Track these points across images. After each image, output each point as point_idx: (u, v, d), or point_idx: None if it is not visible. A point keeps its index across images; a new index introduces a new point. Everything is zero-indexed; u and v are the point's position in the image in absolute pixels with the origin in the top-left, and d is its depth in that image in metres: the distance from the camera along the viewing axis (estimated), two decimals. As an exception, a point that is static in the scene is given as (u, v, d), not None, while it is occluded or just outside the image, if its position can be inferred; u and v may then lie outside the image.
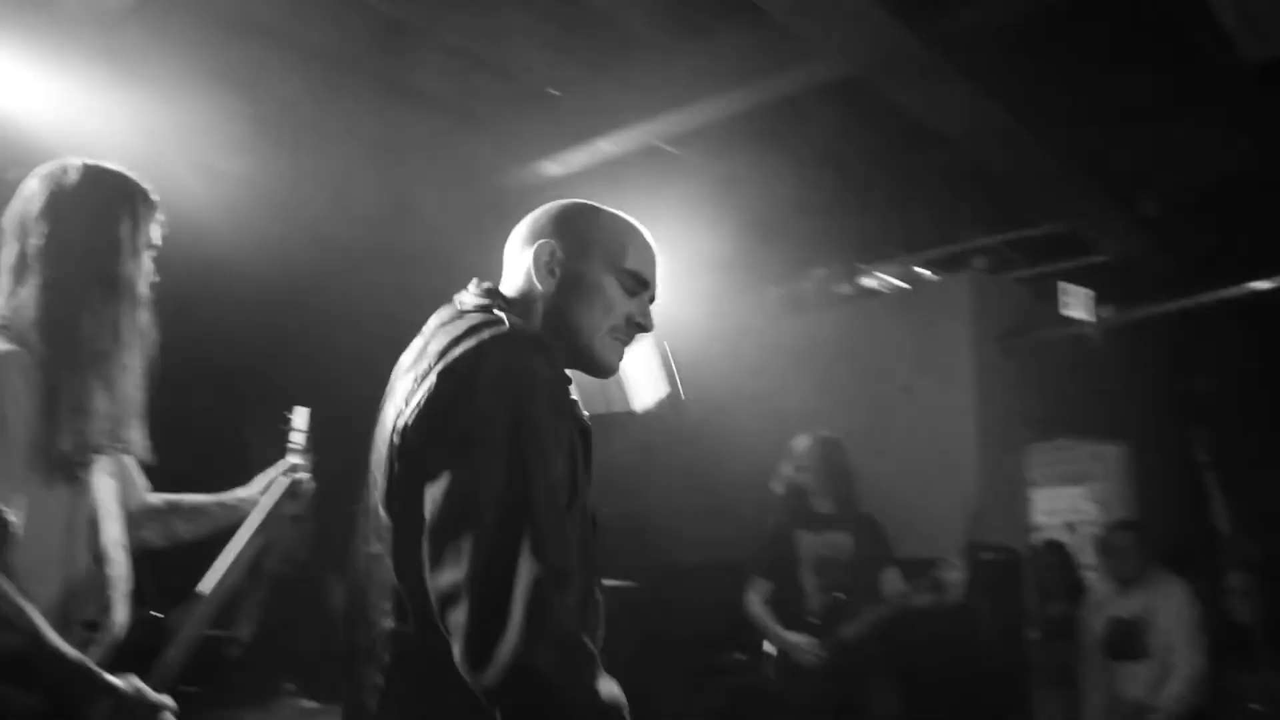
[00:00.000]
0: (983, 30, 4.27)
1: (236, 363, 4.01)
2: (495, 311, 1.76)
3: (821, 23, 3.97)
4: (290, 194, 4.15)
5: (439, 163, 4.57)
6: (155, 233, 2.25)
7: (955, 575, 4.46)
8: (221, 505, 2.55)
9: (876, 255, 6.43)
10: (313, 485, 2.60)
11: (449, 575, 1.53)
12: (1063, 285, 5.89)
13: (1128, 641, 5.14)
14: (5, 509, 1.92)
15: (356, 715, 1.69)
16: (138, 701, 1.99)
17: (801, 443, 4.91)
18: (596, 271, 1.85)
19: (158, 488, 2.47)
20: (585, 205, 1.92)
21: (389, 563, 1.66)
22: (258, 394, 3.52)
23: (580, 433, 1.78)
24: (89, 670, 1.95)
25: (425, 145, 4.47)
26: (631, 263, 1.87)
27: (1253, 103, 4.86)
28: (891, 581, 4.70)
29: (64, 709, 1.93)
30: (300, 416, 2.69)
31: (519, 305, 1.84)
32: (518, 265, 1.88)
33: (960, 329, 5.84)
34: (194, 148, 3.74)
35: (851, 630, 4.57)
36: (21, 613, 1.89)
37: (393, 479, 1.67)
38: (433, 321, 1.83)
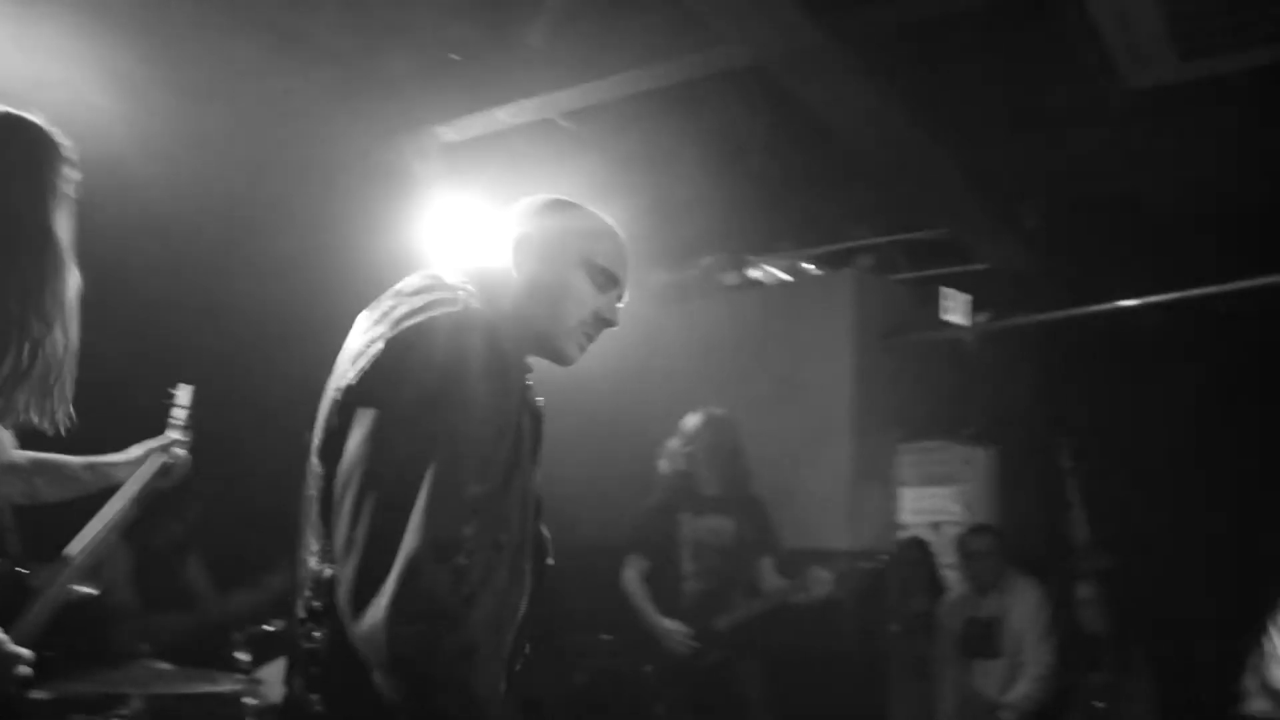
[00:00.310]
0: (886, 32, 4.32)
1: (114, 323, 3.85)
2: (460, 291, 1.85)
3: (728, 9, 3.97)
4: (174, 140, 3.97)
5: (334, 120, 4.44)
6: (70, 190, 2.11)
7: (828, 576, 4.53)
8: (90, 470, 2.50)
9: (764, 247, 6.47)
10: (187, 463, 2.62)
11: (345, 529, 1.63)
12: (943, 289, 6.02)
13: (982, 640, 5.33)
14: None
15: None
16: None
17: (692, 420, 4.90)
18: (570, 266, 1.94)
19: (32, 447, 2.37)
20: (567, 202, 2.03)
21: (317, 508, 1.75)
22: (134, 356, 3.39)
23: (530, 416, 1.86)
24: None
25: (321, 101, 4.33)
26: (604, 260, 1.97)
27: (1132, 127, 5.03)
28: (769, 572, 4.75)
29: None
30: (184, 394, 2.71)
31: (493, 287, 1.92)
32: (500, 251, 1.97)
33: (841, 326, 5.91)
34: (73, 83, 3.54)
35: (725, 622, 4.61)
36: None
37: (329, 431, 1.75)
38: (409, 283, 1.90)
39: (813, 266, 6.47)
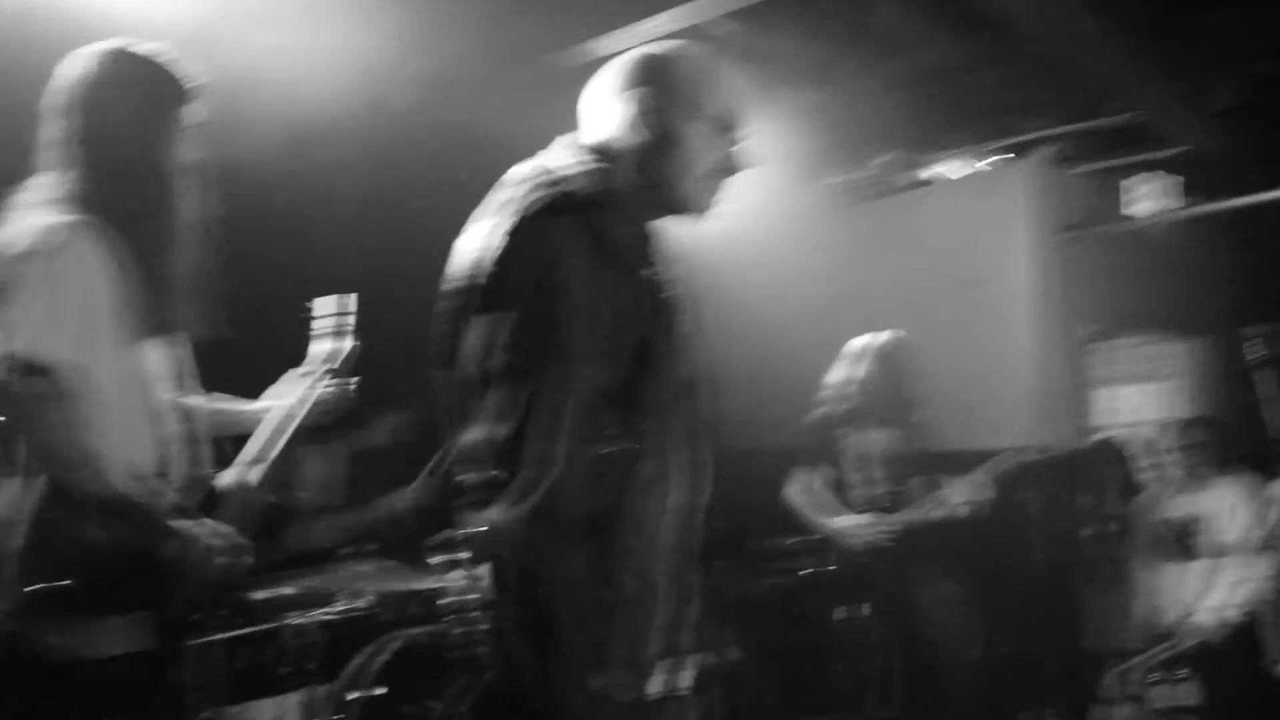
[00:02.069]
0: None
1: (273, 245, 4.06)
2: (565, 172, 1.81)
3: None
4: (338, 70, 4.11)
5: (487, 41, 4.49)
6: (194, 112, 2.31)
7: (983, 492, 4.55)
8: (259, 415, 2.62)
9: (938, 144, 6.27)
10: (344, 393, 2.69)
11: (473, 434, 1.64)
12: (1131, 177, 5.73)
13: (1180, 542, 5.14)
14: (76, 369, 2.05)
15: None
16: (210, 540, 2.16)
17: (862, 342, 4.91)
18: (683, 119, 1.86)
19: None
20: (668, 53, 1.94)
21: (452, 417, 1.74)
22: (294, 279, 3.52)
23: (653, 291, 1.80)
24: (153, 513, 2.12)
25: (475, 23, 4.38)
26: (717, 105, 1.88)
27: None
28: (933, 485, 4.77)
29: (141, 548, 2.10)
30: (333, 303, 2.73)
31: (608, 159, 1.86)
32: (607, 119, 1.90)
33: (1024, 221, 5.70)
34: (240, 22, 3.71)
35: (908, 516, 4.65)
36: (97, 460, 2.05)
37: (447, 337, 1.75)
38: (515, 172, 1.87)
39: (991, 161, 6.23)
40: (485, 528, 1.60)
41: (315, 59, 4.01)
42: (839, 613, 4.77)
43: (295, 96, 3.91)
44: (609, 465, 1.67)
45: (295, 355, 2.75)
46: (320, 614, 3.61)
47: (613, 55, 4.86)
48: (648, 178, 1.86)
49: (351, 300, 2.76)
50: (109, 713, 2.13)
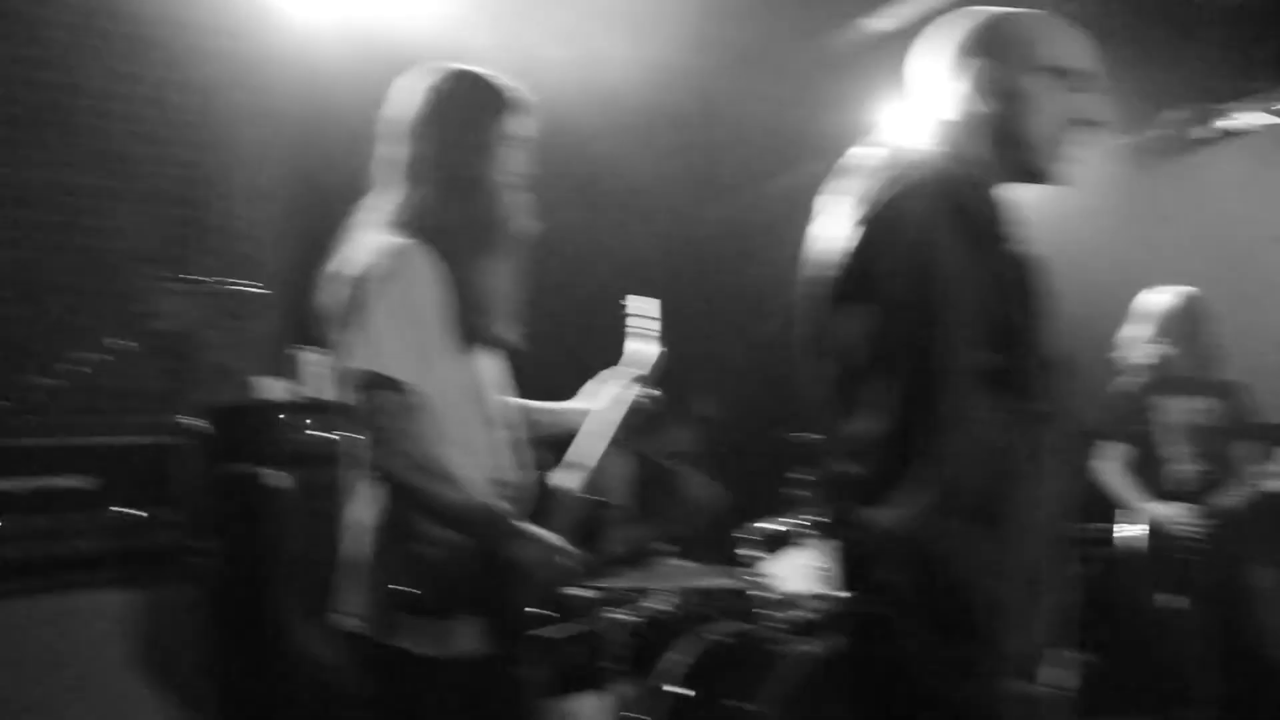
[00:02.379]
0: None
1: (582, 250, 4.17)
2: (921, 154, 1.77)
3: None
4: (627, 64, 4.19)
5: (769, 26, 4.48)
6: (523, 128, 2.36)
7: None
8: (576, 416, 2.66)
9: (1236, 92, 5.82)
10: (653, 397, 2.68)
11: (861, 425, 1.60)
12: None
13: None
14: (416, 383, 2.13)
15: None
16: (548, 544, 2.19)
17: (1160, 301, 4.59)
18: (1023, 79, 1.79)
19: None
20: (998, 14, 1.86)
21: (826, 406, 1.72)
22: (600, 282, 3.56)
23: (1015, 266, 1.73)
24: (498, 518, 2.17)
25: (755, 10, 4.38)
26: (1056, 59, 1.79)
27: None
28: (1255, 458, 4.42)
29: (487, 552, 2.15)
30: (643, 305, 2.71)
31: (956, 134, 1.81)
32: (947, 93, 1.84)
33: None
34: (538, 38, 3.85)
35: (1227, 500, 4.31)
36: (445, 469, 2.14)
37: (819, 326, 1.73)
38: (869, 159, 1.82)
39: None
40: (879, 525, 1.56)
41: (601, 69, 4.11)
42: (1154, 603, 4.47)
43: (593, 107, 4.01)
44: (990, 452, 1.59)
45: (594, 361, 2.79)
46: (631, 612, 3.68)
47: (888, 32, 4.82)
48: (999, 147, 1.80)
49: (655, 305, 2.75)
50: (455, 710, 2.20)
